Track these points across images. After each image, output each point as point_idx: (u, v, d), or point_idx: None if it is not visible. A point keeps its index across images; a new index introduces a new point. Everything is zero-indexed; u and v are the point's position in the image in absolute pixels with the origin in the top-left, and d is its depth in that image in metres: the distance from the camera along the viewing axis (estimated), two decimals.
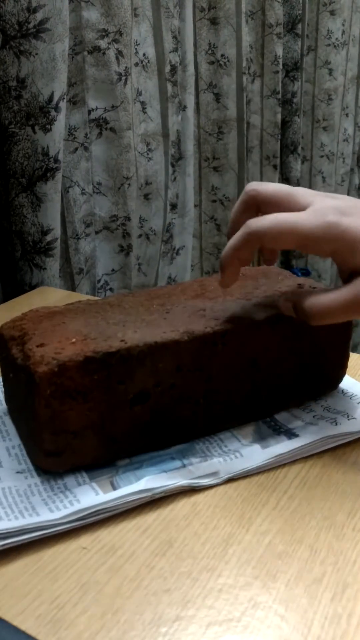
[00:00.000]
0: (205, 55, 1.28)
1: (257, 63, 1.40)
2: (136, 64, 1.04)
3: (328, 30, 1.54)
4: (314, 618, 0.35)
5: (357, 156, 1.80)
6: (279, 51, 1.40)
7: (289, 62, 1.48)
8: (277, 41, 1.38)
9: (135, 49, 1.04)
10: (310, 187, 1.67)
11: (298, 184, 1.59)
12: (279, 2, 1.36)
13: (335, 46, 1.56)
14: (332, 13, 1.53)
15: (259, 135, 1.46)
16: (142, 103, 1.08)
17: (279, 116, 1.45)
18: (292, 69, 1.49)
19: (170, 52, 1.10)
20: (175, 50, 1.12)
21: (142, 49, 1.06)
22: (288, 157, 1.55)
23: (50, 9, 0.77)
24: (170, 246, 1.24)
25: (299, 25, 1.47)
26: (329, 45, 1.55)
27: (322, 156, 1.65)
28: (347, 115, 1.68)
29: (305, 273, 1.66)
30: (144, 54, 1.06)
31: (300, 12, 1.46)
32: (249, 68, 1.37)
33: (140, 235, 1.14)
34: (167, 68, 1.11)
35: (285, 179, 1.56)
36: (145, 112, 1.09)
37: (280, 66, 1.41)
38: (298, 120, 1.53)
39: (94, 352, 0.43)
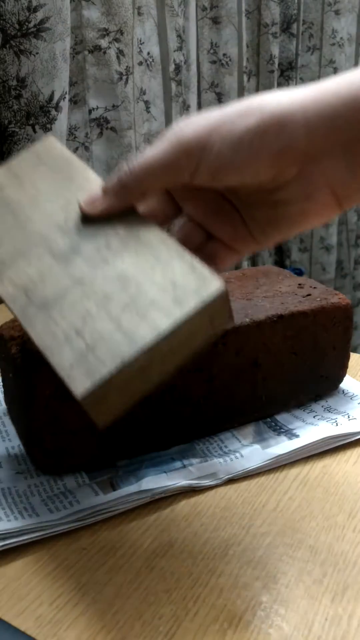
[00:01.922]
0: (207, 55, 1.27)
1: (253, 62, 1.40)
2: (140, 63, 1.04)
3: (333, 29, 1.54)
4: (315, 619, 0.35)
5: None
6: (275, 51, 1.39)
7: (283, 61, 1.48)
8: (272, 41, 1.38)
9: (140, 47, 1.03)
10: None
11: None
12: (275, 1, 1.35)
13: (340, 45, 1.56)
14: (336, 13, 1.53)
15: None
16: (146, 102, 1.08)
17: None
18: (287, 68, 1.49)
19: (174, 51, 1.10)
20: (180, 49, 1.12)
21: (147, 47, 1.05)
22: None
23: (51, 8, 0.77)
24: None
25: (294, 25, 1.46)
26: (334, 44, 1.55)
27: None
28: None
29: (299, 273, 1.66)
30: (148, 53, 1.06)
31: (295, 11, 1.46)
32: (246, 67, 1.37)
33: None
34: (172, 67, 1.10)
35: None
36: (149, 112, 1.09)
37: (276, 66, 1.41)
38: None
39: None
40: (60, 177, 0.40)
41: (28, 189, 0.40)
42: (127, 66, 0.98)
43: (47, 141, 0.42)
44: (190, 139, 0.34)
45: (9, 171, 0.41)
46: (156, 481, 0.44)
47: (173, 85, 1.12)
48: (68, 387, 0.32)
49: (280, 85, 1.48)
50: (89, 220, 0.37)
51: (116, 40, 0.95)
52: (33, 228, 0.38)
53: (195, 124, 0.34)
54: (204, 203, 0.38)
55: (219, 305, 0.33)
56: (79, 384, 0.31)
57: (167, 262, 0.34)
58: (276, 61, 1.41)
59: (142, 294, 0.33)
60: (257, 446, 0.48)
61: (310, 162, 0.33)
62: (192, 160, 0.34)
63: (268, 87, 1.42)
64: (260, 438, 0.49)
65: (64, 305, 0.34)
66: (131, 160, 0.36)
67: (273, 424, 0.51)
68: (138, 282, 0.34)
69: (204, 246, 0.39)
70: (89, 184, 0.39)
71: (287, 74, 1.49)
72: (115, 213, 0.37)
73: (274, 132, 0.32)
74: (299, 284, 0.54)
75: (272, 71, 1.41)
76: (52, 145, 0.42)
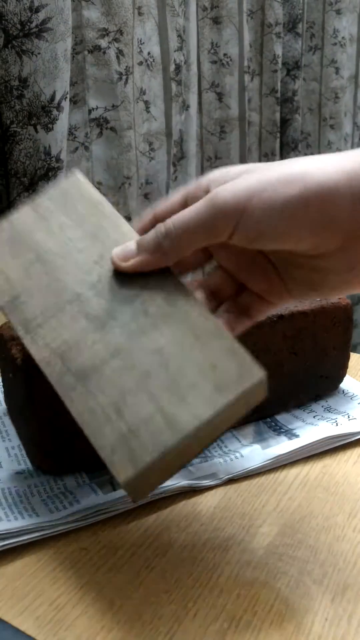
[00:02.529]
0: (207, 55, 1.27)
1: (256, 62, 1.40)
2: (140, 63, 1.04)
3: (334, 29, 1.54)
4: (315, 619, 0.35)
5: None
6: (278, 50, 1.40)
7: (289, 60, 1.48)
8: (276, 40, 1.38)
9: (140, 47, 1.03)
10: None
11: None
12: (278, 2, 1.36)
13: (341, 45, 1.56)
14: (338, 12, 1.53)
15: (257, 132, 1.46)
16: (146, 102, 1.08)
17: (278, 114, 1.45)
18: (292, 67, 1.49)
19: (175, 51, 1.10)
20: (180, 49, 1.12)
21: (147, 47, 1.05)
22: (289, 155, 1.55)
23: (52, 9, 0.77)
24: None
25: (300, 25, 1.47)
26: (335, 44, 1.55)
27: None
28: (345, 114, 1.69)
29: None
30: (148, 53, 1.06)
31: (300, 11, 1.46)
32: (248, 67, 1.37)
33: None
34: (172, 67, 1.10)
35: None
36: (148, 112, 1.09)
37: (280, 65, 1.41)
38: (299, 119, 1.53)
39: None
40: (91, 224, 0.39)
41: (57, 235, 0.39)
42: (127, 66, 0.98)
43: (73, 178, 0.41)
44: (229, 202, 0.32)
45: (35, 212, 0.40)
46: None
47: (173, 85, 1.12)
48: (109, 469, 0.32)
49: (286, 84, 1.48)
50: (123, 277, 0.36)
51: (116, 40, 0.95)
52: (65, 282, 0.37)
53: (234, 187, 0.33)
54: (239, 256, 0.37)
55: (258, 390, 0.33)
56: (122, 470, 0.32)
57: (207, 341, 0.34)
58: (279, 61, 1.41)
59: (182, 375, 0.33)
60: (257, 446, 0.48)
61: (356, 237, 0.32)
62: (230, 223, 0.33)
63: (271, 86, 1.42)
64: (260, 438, 0.49)
65: (102, 378, 0.34)
66: (168, 220, 0.35)
67: (273, 424, 0.51)
68: (178, 361, 0.34)
69: (236, 297, 0.38)
70: (121, 235, 0.38)
71: (294, 73, 1.49)
72: (149, 270, 0.36)
73: (318, 204, 0.31)
74: None
75: (276, 71, 1.41)
76: (79, 184, 0.41)
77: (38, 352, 0.36)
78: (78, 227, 0.39)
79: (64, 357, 0.35)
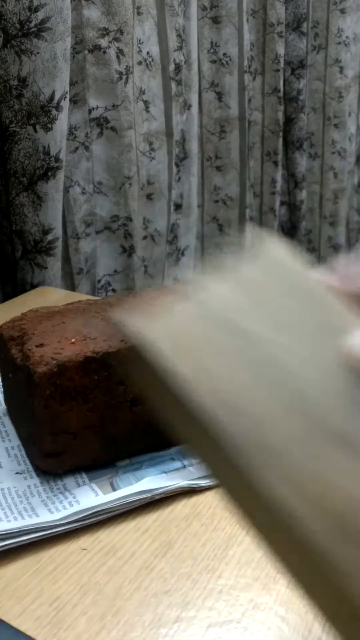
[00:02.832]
0: (207, 54, 1.27)
1: (258, 61, 1.40)
2: (139, 63, 1.04)
3: (338, 28, 1.54)
4: (314, 620, 0.35)
5: (357, 155, 1.80)
6: (280, 50, 1.40)
7: (294, 60, 1.48)
8: (278, 40, 1.38)
9: (139, 47, 1.03)
10: (321, 182, 1.68)
11: (303, 179, 1.59)
12: (280, 1, 1.36)
13: (345, 44, 1.56)
14: (342, 11, 1.54)
15: (260, 132, 1.46)
16: (145, 102, 1.08)
17: (281, 114, 1.45)
18: (297, 67, 1.49)
19: (174, 51, 1.10)
20: (180, 48, 1.12)
21: (146, 47, 1.05)
22: (294, 154, 1.55)
23: (52, 8, 0.77)
24: (175, 247, 1.24)
25: (305, 24, 1.47)
26: (340, 43, 1.56)
27: (333, 153, 1.65)
28: (349, 114, 1.69)
29: None
30: (147, 53, 1.06)
31: (305, 10, 1.46)
32: (249, 66, 1.37)
33: (145, 237, 1.14)
34: (172, 67, 1.10)
35: (290, 175, 1.57)
36: (148, 111, 1.09)
37: (282, 64, 1.42)
38: (304, 117, 1.53)
39: (94, 352, 0.42)
40: (314, 312, 0.30)
41: (278, 324, 0.29)
42: (127, 66, 0.98)
43: (273, 248, 0.32)
44: None
45: (240, 286, 0.30)
46: (156, 481, 0.43)
47: (173, 84, 1.12)
48: None
49: (290, 83, 1.48)
50: None
51: (116, 39, 0.95)
52: (302, 391, 0.27)
53: None
54: None
55: None
56: None
57: None
58: (282, 60, 1.41)
59: None
60: None
61: None
62: None
63: (274, 85, 1.42)
64: None
65: None
66: None
67: None
68: None
69: None
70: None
71: (298, 72, 1.49)
72: None
73: None
74: None
75: (278, 70, 1.41)
76: (282, 257, 0.32)
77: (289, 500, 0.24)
78: (302, 317, 0.30)
79: (337, 515, 0.23)
